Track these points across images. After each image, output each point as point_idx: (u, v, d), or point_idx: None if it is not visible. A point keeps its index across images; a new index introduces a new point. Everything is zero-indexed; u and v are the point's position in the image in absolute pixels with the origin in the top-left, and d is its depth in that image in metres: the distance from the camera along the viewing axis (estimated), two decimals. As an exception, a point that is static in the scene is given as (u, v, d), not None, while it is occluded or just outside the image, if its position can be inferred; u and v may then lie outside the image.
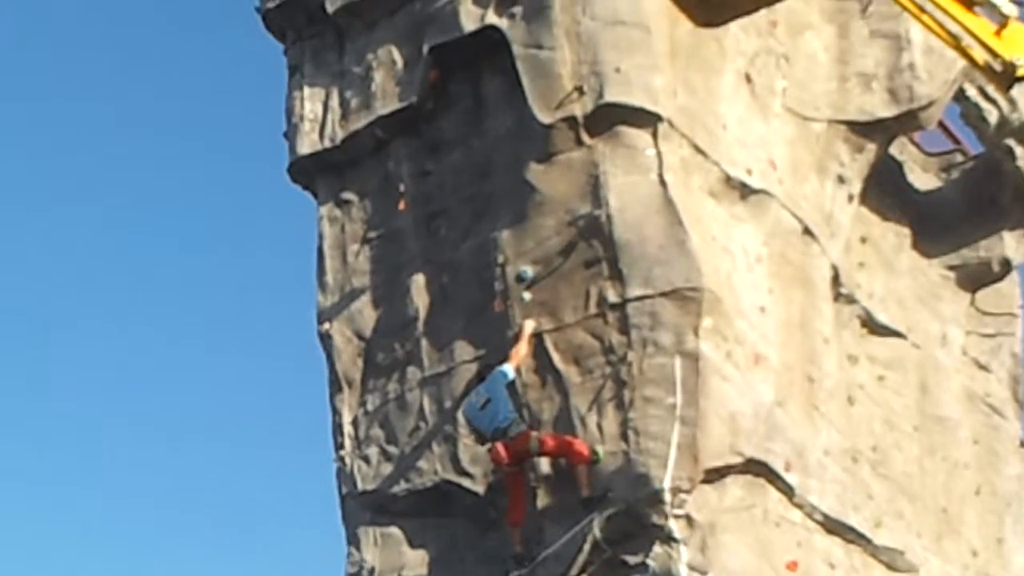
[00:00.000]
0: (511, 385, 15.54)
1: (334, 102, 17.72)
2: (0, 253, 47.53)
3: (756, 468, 15.84)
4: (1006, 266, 20.22)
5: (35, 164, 48.52)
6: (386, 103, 17.30)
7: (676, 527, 14.94)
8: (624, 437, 15.18)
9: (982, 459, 19.86)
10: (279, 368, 47.58)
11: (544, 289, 15.90)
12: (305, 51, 18.16)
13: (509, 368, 15.52)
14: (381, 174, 17.44)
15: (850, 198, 18.40)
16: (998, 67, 17.39)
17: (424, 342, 16.63)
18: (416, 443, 16.43)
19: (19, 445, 47.17)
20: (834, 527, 16.89)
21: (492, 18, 16.49)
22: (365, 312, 17.22)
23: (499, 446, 15.18)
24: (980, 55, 17.34)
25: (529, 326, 15.77)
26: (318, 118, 17.77)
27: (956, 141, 20.98)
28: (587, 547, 14.89)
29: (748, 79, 17.39)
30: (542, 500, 15.45)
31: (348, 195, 17.68)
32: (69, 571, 44.52)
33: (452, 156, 16.97)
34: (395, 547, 16.42)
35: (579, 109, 16.01)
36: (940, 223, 19.94)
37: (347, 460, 16.94)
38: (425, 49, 16.96)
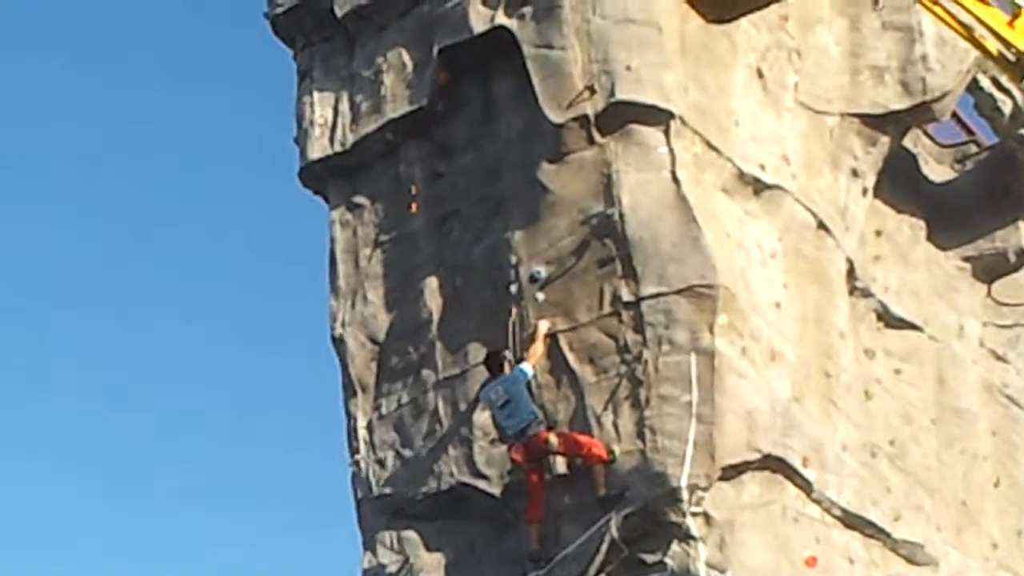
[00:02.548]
0: (529, 385, 15.55)
1: (344, 106, 17.74)
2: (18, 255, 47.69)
3: (774, 464, 15.80)
4: (1022, 256, 20.14)
5: (50, 171, 48.58)
6: (396, 106, 17.31)
7: (694, 525, 14.94)
8: (640, 436, 15.16)
9: (1001, 451, 19.82)
10: (293, 373, 47.60)
11: (558, 289, 15.90)
12: (315, 56, 18.19)
13: (528, 367, 15.54)
14: (392, 177, 17.46)
15: (864, 191, 18.36)
16: (1011, 57, 17.41)
17: (438, 345, 16.64)
18: (431, 446, 16.43)
19: (31, 448, 47.27)
20: (853, 522, 16.85)
21: (502, 19, 16.49)
22: (378, 316, 17.23)
23: (515, 447, 15.25)
24: (993, 45, 17.35)
25: (543, 326, 15.78)
26: (328, 122, 17.79)
27: (970, 132, 20.92)
28: (605, 547, 14.89)
29: (760, 74, 17.37)
30: (559, 500, 15.44)
31: (360, 199, 17.70)
32: (82, 572, 44.63)
33: (463, 158, 16.97)
34: (412, 550, 16.42)
35: (590, 108, 16.01)
36: (955, 214, 19.89)
37: (362, 464, 16.95)
38: (435, 51, 16.96)
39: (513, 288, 16.05)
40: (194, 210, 50.26)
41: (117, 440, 47.83)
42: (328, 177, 17.94)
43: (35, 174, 48.23)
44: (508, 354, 15.82)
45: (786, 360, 16.35)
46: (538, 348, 15.69)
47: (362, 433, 17.05)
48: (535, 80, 16.19)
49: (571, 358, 15.70)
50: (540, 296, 15.91)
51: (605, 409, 15.41)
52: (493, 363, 15.77)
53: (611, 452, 15.18)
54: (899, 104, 18.31)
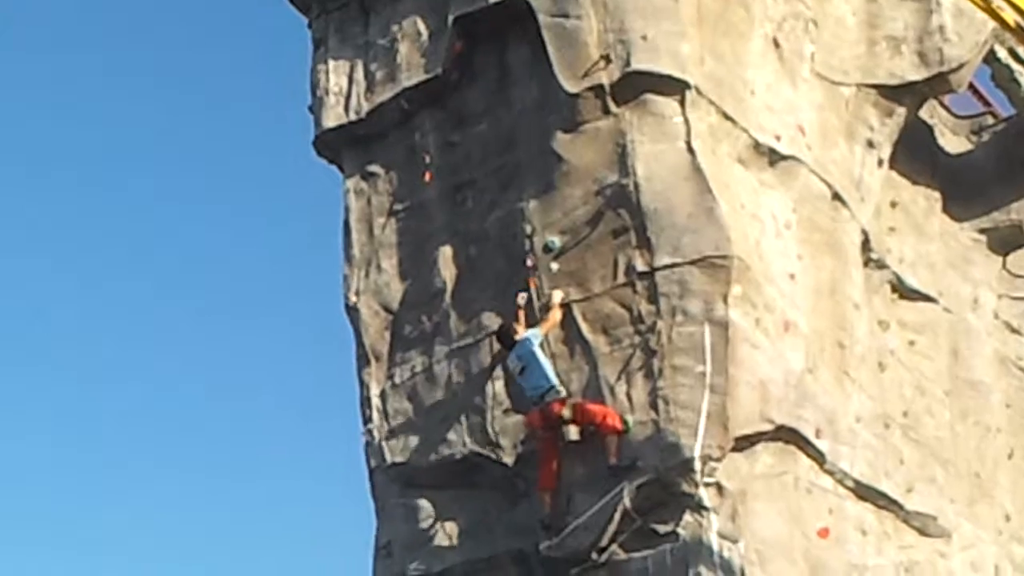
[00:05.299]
0: (543, 348, 15.57)
1: (359, 75, 17.70)
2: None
3: (787, 435, 15.81)
4: (1038, 229, 20.07)
5: (59, 151, 48.56)
6: (411, 75, 17.29)
7: (706, 495, 14.96)
8: (653, 406, 15.17)
9: (1014, 423, 19.77)
10: (306, 342, 47.60)
11: (572, 259, 15.90)
12: (329, 24, 18.14)
13: (535, 332, 15.56)
14: (407, 146, 17.43)
15: (880, 162, 18.30)
16: (1028, 28, 17.20)
17: (452, 314, 16.64)
18: (444, 415, 16.44)
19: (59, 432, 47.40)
20: (866, 493, 16.86)
21: (517, -13, 16.46)
22: (392, 285, 17.23)
23: (535, 411, 15.31)
24: (1010, 16, 17.19)
25: (557, 296, 15.78)
26: (343, 91, 17.76)
27: (987, 103, 20.82)
28: (617, 516, 14.92)
29: (776, 44, 17.30)
30: (571, 469, 15.45)
31: (374, 168, 17.68)
32: (89, 557, 44.80)
33: (478, 127, 16.94)
34: (424, 519, 16.45)
35: (606, 77, 15.99)
36: (971, 186, 19.81)
37: (375, 433, 16.95)
38: (450, 19, 16.93)
39: (529, 259, 16.06)
40: (206, 182, 50.31)
41: (121, 424, 47.95)
42: (342, 146, 17.92)
43: (37, 163, 48.30)
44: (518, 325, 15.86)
45: (800, 331, 16.34)
46: (553, 317, 15.71)
47: (375, 402, 17.05)
48: (550, 49, 16.16)
49: (585, 328, 15.71)
50: (554, 266, 15.91)
51: (618, 379, 15.42)
52: (505, 337, 15.80)
53: (625, 422, 15.19)
54: (916, 75, 18.23)
